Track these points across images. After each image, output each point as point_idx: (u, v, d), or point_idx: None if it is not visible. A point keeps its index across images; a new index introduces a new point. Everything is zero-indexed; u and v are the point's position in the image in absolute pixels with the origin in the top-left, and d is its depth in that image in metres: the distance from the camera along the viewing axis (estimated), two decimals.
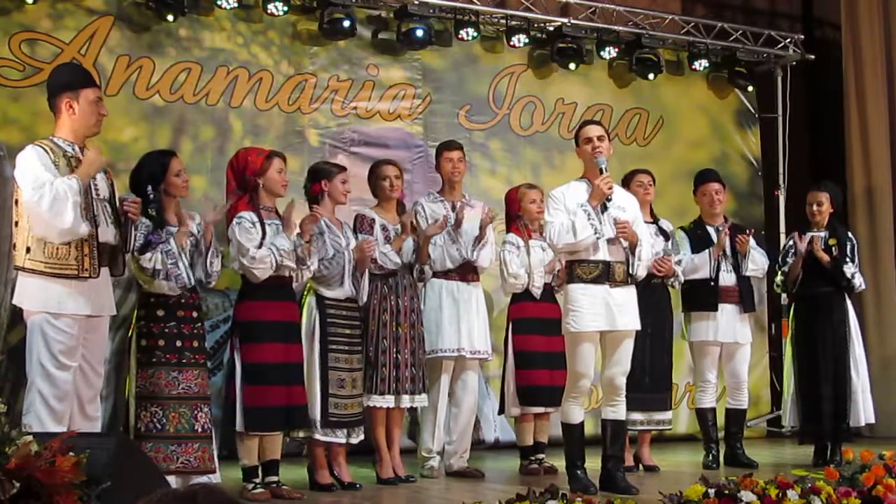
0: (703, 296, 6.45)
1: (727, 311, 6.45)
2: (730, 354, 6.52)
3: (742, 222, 7.48)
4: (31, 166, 4.25)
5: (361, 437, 5.51)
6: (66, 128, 4.43)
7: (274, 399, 5.03)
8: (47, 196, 4.18)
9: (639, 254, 5.19)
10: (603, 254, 5.14)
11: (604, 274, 5.14)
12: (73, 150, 4.40)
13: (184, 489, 1.87)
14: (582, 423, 5.30)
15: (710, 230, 6.54)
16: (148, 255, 4.73)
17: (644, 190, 6.15)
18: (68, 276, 4.27)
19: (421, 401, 5.75)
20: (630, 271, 5.19)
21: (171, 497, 1.83)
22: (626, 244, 5.16)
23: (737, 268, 6.46)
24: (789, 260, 6.56)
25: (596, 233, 5.09)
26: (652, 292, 5.91)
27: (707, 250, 6.43)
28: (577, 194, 5.23)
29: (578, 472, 5.20)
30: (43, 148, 4.33)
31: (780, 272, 6.63)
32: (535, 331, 6.05)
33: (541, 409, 6.08)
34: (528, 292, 6.06)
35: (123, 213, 4.51)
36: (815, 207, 6.53)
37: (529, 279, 6.03)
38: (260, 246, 5.06)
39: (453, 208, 6.00)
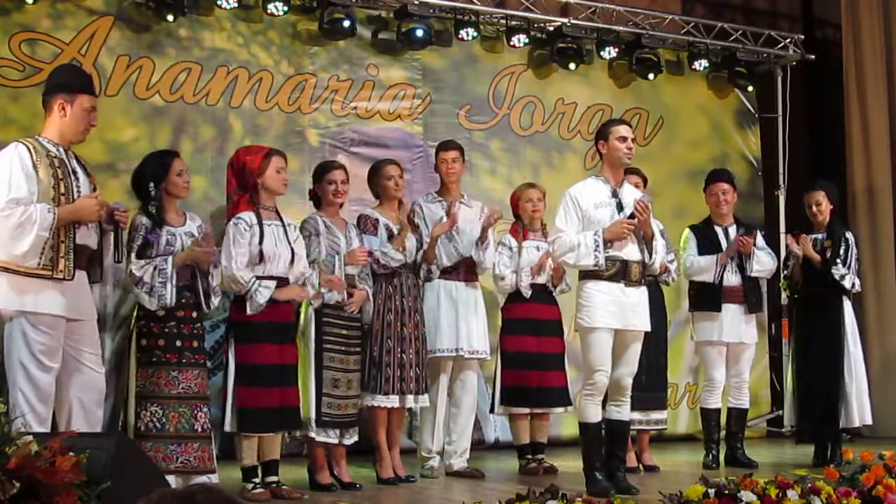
0: (706, 296, 6.46)
1: (731, 311, 6.44)
2: (735, 354, 6.51)
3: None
4: (11, 173, 4.19)
5: (355, 438, 5.50)
6: (54, 129, 4.39)
7: (267, 400, 5.02)
8: (16, 218, 4.14)
9: (655, 247, 5.22)
10: (621, 252, 5.15)
11: (620, 272, 5.14)
12: (58, 151, 4.36)
13: (182, 489, 1.87)
14: (600, 423, 5.23)
15: (718, 231, 6.54)
16: (142, 262, 4.73)
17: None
18: (42, 277, 4.22)
19: (423, 401, 5.75)
20: (648, 263, 5.21)
21: (170, 497, 1.83)
22: (640, 233, 5.17)
23: (742, 268, 6.46)
24: (790, 262, 6.56)
25: (596, 264, 5.09)
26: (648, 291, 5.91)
27: (715, 256, 6.42)
28: (595, 192, 5.23)
29: (597, 473, 5.14)
30: (27, 146, 4.28)
31: (783, 276, 6.63)
32: (524, 331, 6.06)
33: (525, 410, 6.08)
34: (519, 293, 6.07)
35: (114, 221, 4.47)
36: (815, 208, 6.52)
37: (517, 279, 6.03)
38: (261, 257, 5.04)
39: (451, 208, 6.01)
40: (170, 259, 4.77)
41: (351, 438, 5.47)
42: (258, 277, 5.07)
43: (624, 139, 5.23)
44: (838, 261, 6.38)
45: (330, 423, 5.33)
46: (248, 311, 5.02)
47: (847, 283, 6.40)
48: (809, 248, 6.37)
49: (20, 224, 4.15)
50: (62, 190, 4.30)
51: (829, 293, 6.42)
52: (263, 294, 5.00)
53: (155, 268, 4.73)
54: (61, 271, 4.26)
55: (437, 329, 5.84)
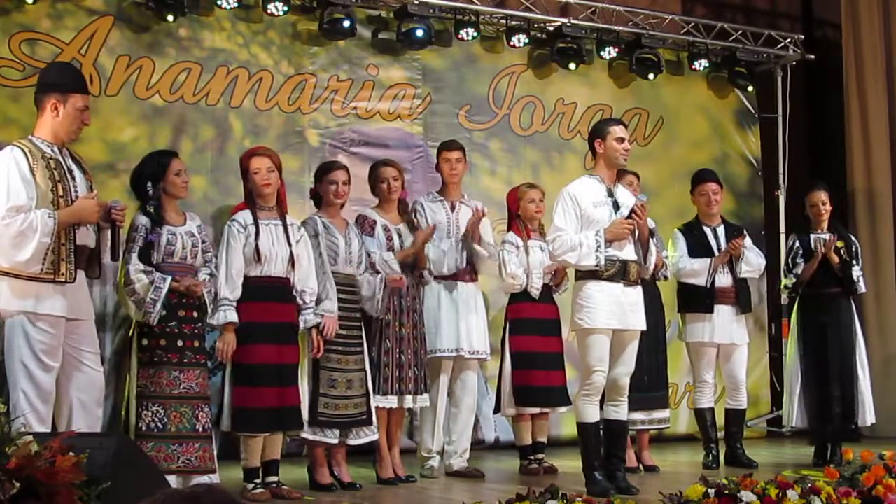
0: (698, 297, 6.44)
1: (723, 313, 6.44)
2: (727, 355, 6.51)
3: (742, 222, 7.48)
4: (9, 180, 4.17)
5: (368, 438, 5.49)
6: (47, 128, 4.37)
7: (263, 400, 5.02)
8: (18, 225, 4.13)
9: (650, 248, 5.21)
10: (620, 252, 5.14)
11: (620, 272, 5.13)
12: (53, 150, 4.34)
13: (187, 490, 1.86)
14: (598, 423, 5.22)
15: (707, 231, 6.54)
16: (142, 267, 4.72)
17: (632, 189, 6.13)
18: (44, 280, 4.21)
19: (423, 401, 5.75)
20: (643, 265, 5.20)
21: (174, 497, 1.82)
22: (637, 235, 5.17)
23: (732, 269, 6.46)
24: (799, 262, 6.53)
25: (597, 264, 5.09)
26: (644, 289, 5.89)
27: (708, 260, 6.41)
28: (592, 192, 5.22)
29: (596, 473, 5.12)
30: (22, 150, 4.25)
31: (790, 275, 6.60)
32: (532, 331, 6.06)
33: (536, 410, 6.09)
34: (526, 293, 6.06)
35: (111, 220, 4.45)
36: (820, 207, 6.51)
37: (528, 279, 6.03)
38: (258, 257, 5.05)
39: (452, 208, 6.01)
40: (168, 280, 4.74)
41: (357, 438, 5.45)
42: (258, 278, 5.09)
43: (622, 140, 5.21)
44: (854, 262, 6.40)
45: (327, 423, 5.32)
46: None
47: (862, 285, 6.45)
48: (831, 250, 6.37)
49: (21, 232, 4.14)
50: (60, 192, 4.28)
51: (839, 293, 6.44)
52: (219, 317, 4.98)
53: (152, 282, 4.71)
54: (63, 274, 4.25)
55: (438, 329, 5.84)
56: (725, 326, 6.45)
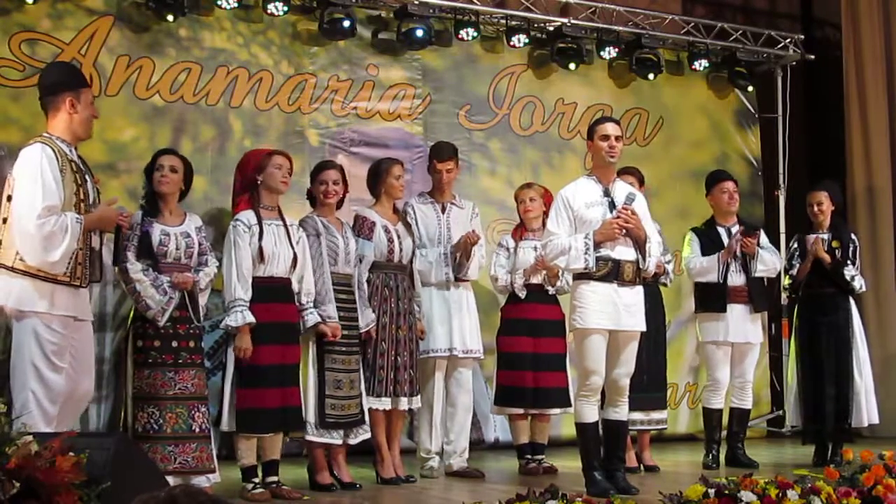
0: (711, 297, 6.45)
1: (737, 311, 6.43)
2: (741, 354, 6.50)
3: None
4: (44, 178, 4.15)
5: (365, 436, 5.50)
6: (64, 127, 4.35)
7: (267, 401, 5.02)
8: (51, 227, 4.12)
9: (649, 249, 5.18)
10: (613, 251, 5.13)
11: (612, 272, 5.11)
12: (72, 153, 4.34)
13: (163, 493, 1.84)
14: (597, 423, 5.22)
15: (721, 231, 6.53)
16: (139, 267, 4.76)
17: (641, 189, 6.13)
18: (61, 283, 4.21)
19: (416, 402, 5.76)
20: (642, 265, 5.16)
21: (150, 502, 1.81)
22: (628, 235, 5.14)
23: (746, 268, 6.45)
24: (795, 263, 6.54)
25: (586, 267, 5.08)
26: (644, 290, 5.88)
27: (716, 254, 6.42)
28: (586, 192, 5.21)
29: (596, 473, 5.12)
30: (53, 150, 4.23)
31: (787, 275, 6.62)
32: (520, 332, 6.07)
33: (520, 410, 6.09)
34: (515, 293, 6.08)
35: (116, 224, 4.48)
36: (815, 208, 6.52)
37: (511, 280, 6.05)
38: (261, 257, 5.05)
39: (443, 210, 5.98)
40: (176, 289, 4.81)
41: (356, 437, 5.46)
42: (261, 278, 5.09)
43: (607, 137, 5.19)
44: (849, 262, 6.40)
45: (333, 425, 5.32)
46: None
47: (857, 284, 6.43)
48: (822, 250, 6.37)
49: (53, 233, 4.12)
50: (81, 196, 4.29)
51: (836, 293, 6.43)
52: (235, 318, 4.97)
53: (159, 286, 4.76)
54: (78, 278, 4.27)
55: (430, 330, 5.83)
56: (740, 325, 6.44)
